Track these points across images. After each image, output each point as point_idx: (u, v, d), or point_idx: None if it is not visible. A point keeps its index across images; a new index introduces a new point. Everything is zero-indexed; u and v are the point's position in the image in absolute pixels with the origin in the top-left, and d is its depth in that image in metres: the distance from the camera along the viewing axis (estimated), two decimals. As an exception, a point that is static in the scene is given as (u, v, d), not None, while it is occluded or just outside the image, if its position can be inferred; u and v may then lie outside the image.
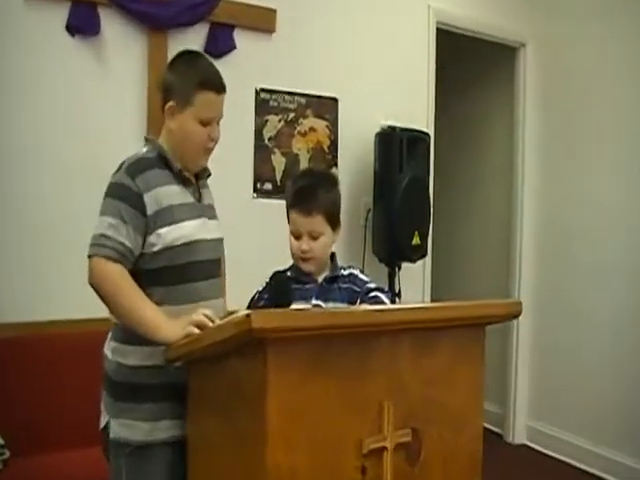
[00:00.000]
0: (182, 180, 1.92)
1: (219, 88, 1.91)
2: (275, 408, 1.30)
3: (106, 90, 3.03)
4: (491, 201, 4.90)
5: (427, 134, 3.83)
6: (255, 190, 3.47)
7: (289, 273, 1.94)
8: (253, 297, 1.95)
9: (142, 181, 1.82)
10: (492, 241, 4.86)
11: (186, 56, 1.99)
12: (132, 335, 1.80)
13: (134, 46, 3.09)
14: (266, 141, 3.50)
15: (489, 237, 4.90)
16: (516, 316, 1.80)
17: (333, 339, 1.38)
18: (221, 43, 3.31)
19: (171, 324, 1.72)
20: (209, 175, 2.09)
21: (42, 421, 2.68)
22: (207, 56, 2.01)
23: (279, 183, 3.50)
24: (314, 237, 1.90)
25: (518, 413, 4.50)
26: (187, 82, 1.87)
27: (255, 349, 1.32)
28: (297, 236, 1.90)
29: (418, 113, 4.01)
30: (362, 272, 1.99)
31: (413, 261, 3.73)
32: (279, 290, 1.87)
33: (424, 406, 1.55)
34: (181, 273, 1.85)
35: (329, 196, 1.96)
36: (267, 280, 1.93)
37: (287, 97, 3.55)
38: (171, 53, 3.12)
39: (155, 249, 1.82)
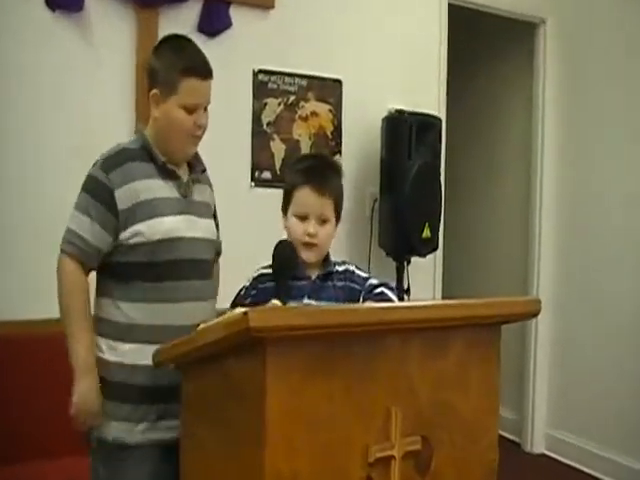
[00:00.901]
0: (166, 173, 1.97)
1: (204, 74, 1.97)
2: (275, 412, 1.31)
3: (90, 72, 3.03)
4: (507, 190, 4.89)
5: (438, 118, 3.83)
6: (253, 179, 3.47)
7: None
8: (238, 293, 1.94)
9: (117, 175, 1.89)
10: (509, 234, 4.85)
11: (172, 41, 2.03)
12: (113, 330, 1.93)
13: (121, 24, 3.09)
14: (265, 126, 3.50)
15: (505, 229, 4.90)
16: (534, 315, 1.80)
17: (337, 339, 1.38)
18: (216, 20, 3.31)
19: (88, 379, 1.91)
20: (204, 170, 2.14)
21: (35, 425, 2.73)
22: (194, 41, 2.04)
23: (278, 172, 3.50)
24: (323, 221, 1.89)
25: (537, 420, 4.50)
26: (171, 69, 1.92)
27: (253, 349, 1.32)
28: (303, 217, 1.88)
29: (428, 96, 4.01)
30: (358, 268, 1.98)
31: (423, 255, 3.74)
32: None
33: (435, 412, 1.55)
34: (161, 271, 1.92)
35: (339, 183, 1.99)
36: (254, 275, 1.92)
37: (287, 79, 3.55)
38: (162, 32, 3.13)
39: (132, 241, 1.90)
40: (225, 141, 3.34)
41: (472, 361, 1.63)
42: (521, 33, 4.58)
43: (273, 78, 3.51)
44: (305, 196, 1.88)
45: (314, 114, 3.64)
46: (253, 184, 3.48)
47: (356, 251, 3.74)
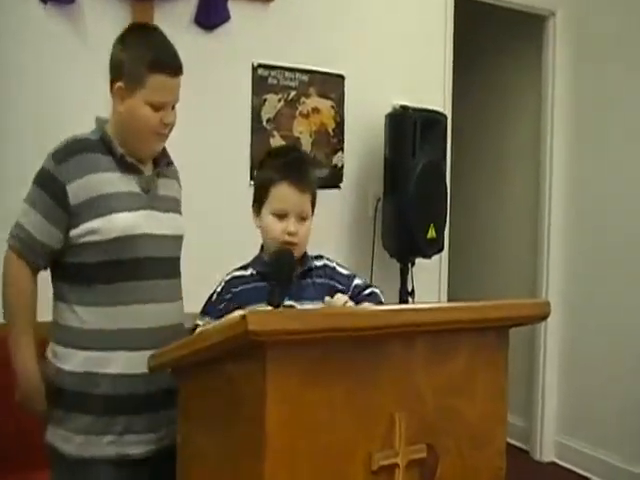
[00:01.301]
0: (125, 167, 1.92)
1: (174, 70, 1.90)
2: (274, 419, 1.31)
3: (82, 67, 3.02)
4: (516, 189, 4.89)
5: (444, 115, 3.83)
6: (252, 177, 3.47)
7: (251, 271, 1.88)
8: (209, 298, 1.89)
9: (70, 167, 1.84)
10: (517, 235, 4.85)
11: (139, 31, 1.99)
12: (70, 336, 1.88)
13: (115, 17, 3.08)
14: (264, 123, 3.50)
15: (513, 230, 4.89)
16: (544, 318, 1.80)
17: (339, 343, 1.38)
18: (214, 13, 3.30)
19: (27, 386, 1.90)
20: (169, 163, 2.09)
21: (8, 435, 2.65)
22: (164, 33, 1.98)
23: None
24: (302, 218, 1.86)
25: (546, 427, 4.50)
26: (138, 62, 1.86)
27: (252, 354, 1.32)
28: (282, 216, 1.84)
29: (434, 91, 4.01)
30: (338, 263, 1.96)
31: (428, 257, 3.73)
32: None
33: (440, 418, 1.55)
34: (118, 271, 1.86)
35: (315, 177, 1.97)
36: (225, 279, 1.88)
37: (288, 74, 3.55)
38: (157, 25, 3.12)
39: (85, 240, 1.84)
40: (223, 138, 3.35)
41: (479, 366, 1.63)
42: (529, 26, 4.58)
43: (273, 73, 3.51)
44: (284, 193, 1.83)
45: (315, 110, 3.64)
46: (252, 182, 3.47)
47: (359, 252, 3.74)
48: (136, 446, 1.90)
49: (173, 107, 1.95)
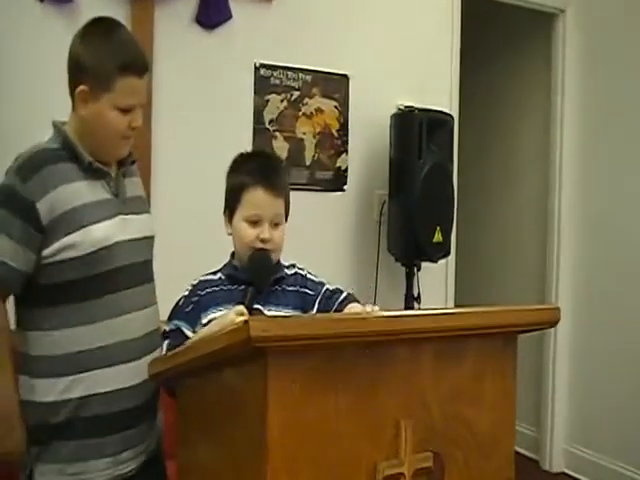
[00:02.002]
0: (92, 173, 1.85)
1: (142, 70, 1.84)
2: (277, 427, 1.30)
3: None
4: (524, 192, 4.89)
5: (450, 115, 3.83)
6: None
7: (220, 275, 1.88)
8: (177, 303, 1.88)
9: (36, 184, 1.75)
10: (525, 238, 4.85)
11: (102, 27, 1.87)
12: (49, 365, 1.79)
13: (115, 15, 3.03)
14: (267, 124, 3.50)
15: (522, 233, 4.89)
16: (553, 324, 1.79)
17: (343, 349, 1.38)
18: (215, 12, 3.31)
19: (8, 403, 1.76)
20: (134, 162, 2.03)
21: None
22: (125, 27, 1.93)
23: (281, 172, 3.50)
24: (276, 224, 1.85)
25: (555, 436, 4.49)
26: (104, 63, 1.78)
27: (253, 360, 1.32)
28: (255, 222, 1.82)
29: (440, 92, 4.01)
30: (309, 272, 1.96)
31: (434, 261, 3.73)
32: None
33: (447, 427, 1.55)
34: (98, 285, 1.80)
35: (287, 181, 1.96)
36: (193, 283, 1.88)
37: (290, 74, 3.55)
38: (158, 24, 3.15)
39: (59, 257, 1.76)
40: (225, 139, 3.35)
41: (487, 373, 1.62)
42: (538, 24, 4.58)
43: (276, 73, 3.51)
44: (258, 198, 1.82)
45: (319, 111, 3.64)
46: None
47: (363, 256, 3.74)
48: (130, 462, 1.90)
49: (140, 108, 1.89)
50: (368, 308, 1.77)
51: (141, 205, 2.02)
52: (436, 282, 4.00)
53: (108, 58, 1.78)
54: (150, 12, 3.13)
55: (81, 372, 1.81)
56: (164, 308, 3.11)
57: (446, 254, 3.78)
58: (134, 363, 1.84)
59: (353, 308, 1.82)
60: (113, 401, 1.83)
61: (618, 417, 4.09)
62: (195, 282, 1.89)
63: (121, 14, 3.09)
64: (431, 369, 1.52)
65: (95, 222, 1.80)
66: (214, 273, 1.90)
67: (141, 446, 1.93)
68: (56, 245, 1.76)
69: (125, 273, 1.87)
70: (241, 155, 2.01)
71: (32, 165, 1.78)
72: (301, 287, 1.90)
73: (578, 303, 4.38)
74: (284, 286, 1.88)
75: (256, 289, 1.79)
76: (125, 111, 1.82)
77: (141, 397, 1.90)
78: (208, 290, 1.85)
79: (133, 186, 2.01)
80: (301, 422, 1.34)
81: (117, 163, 1.96)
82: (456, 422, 1.56)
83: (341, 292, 1.92)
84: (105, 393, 1.82)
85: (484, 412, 1.62)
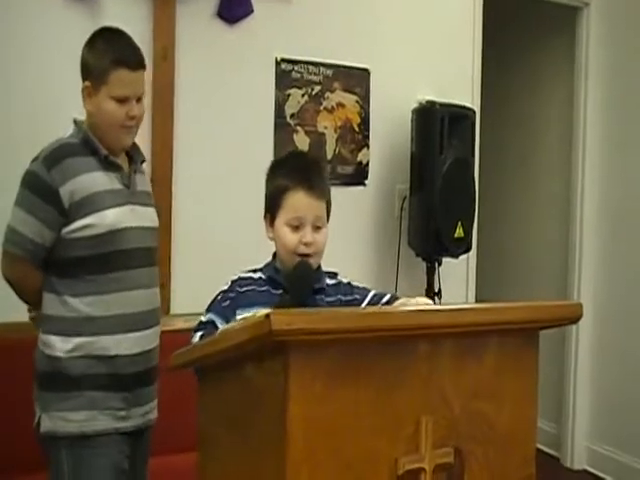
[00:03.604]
0: (108, 165, 2.11)
1: (134, 64, 2.08)
2: (297, 422, 1.31)
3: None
4: (547, 187, 4.86)
5: (472, 110, 3.81)
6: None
7: (260, 275, 1.86)
8: (216, 297, 1.87)
9: (59, 172, 2.02)
10: (547, 233, 4.82)
11: (104, 33, 2.14)
12: (64, 326, 2.07)
13: (137, 10, 3.12)
14: (288, 118, 3.51)
15: (544, 229, 4.86)
16: (576, 320, 1.79)
17: (364, 344, 1.38)
18: (236, 7, 3.32)
19: None
20: (143, 161, 2.27)
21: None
22: (127, 33, 2.15)
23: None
24: (317, 227, 1.82)
25: (577, 433, 4.47)
26: (101, 60, 2.05)
27: (275, 354, 1.32)
28: (297, 226, 1.80)
29: (461, 86, 4.00)
30: (352, 281, 1.94)
31: (455, 256, 3.73)
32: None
33: (468, 422, 1.55)
34: (109, 261, 2.07)
35: (328, 182, 1.92)
36: (232, 278, 1.87)
37: (312, 68, 3.56)
38: (180, 19, 3.16)
39: (77, 235, 2.03)
40: (246, 134, 3.37)
41: (508, 369, 1.62)
42: (562, 18, 4.55)
43: (297, 67, 3.52)
44: (299, 201, 1.79)
45: (340, 105, 3.64)
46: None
47: (384, 251, 3.74)
48: (132, 420, 2.13)
49: (139, 100, 2.12)
50: (414, 300, 1.75)
51: (148, 199, 2.26)
52: (457, 278, 3.99)
53: (104, 55, 2.05)
54: (172, 7, 3.15)
55: (89, 336, 2.06)
56: (181, 297, 3.17)
57: (467, 249, 3.77)
58: (138, 334, 2.12)
59: (400, 303, 1.79)
60: (118, 365, 2.08)
61: (641, 415, 4.07)
62: (235, 278, 1.87)
63: (143, 8, 3.12)
64: (452, 365, 1.52)
65: (108, 207, 2.06)
66: (254, 271, 1.88)
67: (140, 409, 2.16)
68: (74, 225, 2.03)
69: (132, 255, 2.11)
70: (281, 157, 2.04)
71: (56, 156, 2.05)
72: (346, 295, 1.88)
73: (601, 299, 4.35)
74: (323, 296, 1.86)
75: (293, 301, 1.74)
76: (121, 102, 2.06)
77: (141, 365, 2.14)
78: (247, 289, 1.83)
79: (142, 182, 2.25)
80: (322, 417, 1.34)
81: (128, 160, 2.21)
82: (477, 418, 1.56)
83: (385, 295, 1.90)
84: (111, 357, 2.07)
85: (505, 408, 1.61)
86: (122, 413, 2.10)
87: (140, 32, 3.10)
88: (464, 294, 4.08)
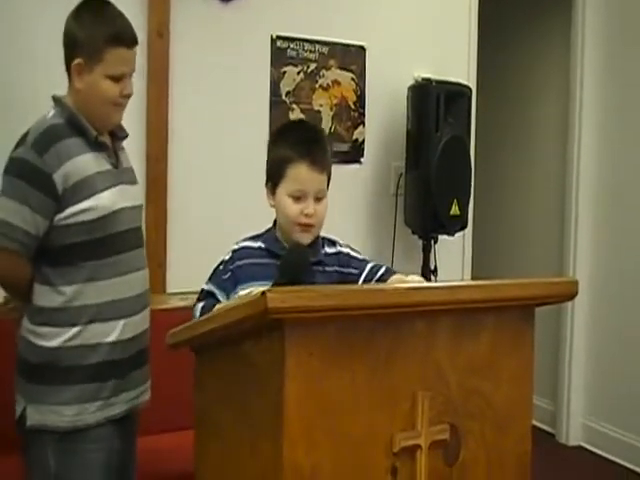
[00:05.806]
0: (96, 146, 2.02)
1: (131, 42, 2.01)
2: (294, 399, 1.31)
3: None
4: (542, 165, 4.85)
5: (468, 87, 3.79)
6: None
7: (260, 244, 1.87)
8: (217, 267, 1.88)
9: (52, 157, 1.91)
10: (543, 211, 4.82)
11: (92, 6, 2.03)
12: (56, 316, 1.98)
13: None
14: (283, 96, 3.49)
15: (540, 206, 4.86)
16: (571, 297, 1.79)
17: (360, 321, 1.38)
18: (231, -17, 3.28)
19: None
20: (126, 136, 2.19)
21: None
22: (115, 5, 2.05)
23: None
24: (319, 198, 1.83)
25: (573, 410, 4.49)
26: (96, 37, 1.94)
27: (271, 332, 1.33)
28: (299, 197, 1.81)
29: (458, 63, 3.97)
30: (352, 248, 1.95)
31: (451, 234, 3.72)
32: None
33: (464, 399, 1.55)
34: (105, 246, 2.00)
35: (330, 154, 1.93)
36: (234, 247, 1.88)
37: (307, 45, 3.53)
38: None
39: (70, 221, 1.94)
40: (242, 111, 3.35)
41: (504, 346, 1.62)
42: (557, 1, 4.50)
43: (292, 45, 3.49)
44: (302, 174, 1.80)
45: (336, 83, 3.62)
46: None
47: (380, 229, 3.73)
48: (121, 405, 2.07)
49: (130, 77, 2.05)
50: (409, 278, 1.77)
51: (133, 176, 2.20)
52: (453, 255, 4.00)
53: (99, 32, 1.95)
54: (166, -16, 3.11)
55: (84, 324, 1.98)
56: (177, 275, 3.14)
57: (463, 227, 3.77)
58: (131, 318, 2.05)
59: (396, 280, 1.81)
60: (116, 350, 2.02)
61: (635, 391, 4.08)
62: (236, 247, 1.88)
63: (137, -14, 3.09)
64: (448, 342, 1.53)
65: (102, 190, 1.98)
66: (254, 239, 1.89)
67: (132, 392, 2.10)
68: (68, 210, 1.93)
69: (126, 237, 2.05)
70: (285, 125, 2.03)
71: (47, 140, 1.93)
72: (344, 267, 1.89)
73: (596, 276, 4.35)
74: (324, 267, 1.86)
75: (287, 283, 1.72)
76: (117, 80, 1.98)
77: (133, 349, 2.08)
78: (246, 261, 1.84)
79: (125, 158, 2.19)
80: (318, 394, 1.35)
81: (111, 137, 2.12)
82: (473, 395, 1.57)
83: (381, 267, 1.90)
84: (105, 344, 2.01)
85: (501, 385, 1.62)
86: (112, 399, 2.03)
87: (135, 9, 3.08)
88: (460, 272, 4.08)
